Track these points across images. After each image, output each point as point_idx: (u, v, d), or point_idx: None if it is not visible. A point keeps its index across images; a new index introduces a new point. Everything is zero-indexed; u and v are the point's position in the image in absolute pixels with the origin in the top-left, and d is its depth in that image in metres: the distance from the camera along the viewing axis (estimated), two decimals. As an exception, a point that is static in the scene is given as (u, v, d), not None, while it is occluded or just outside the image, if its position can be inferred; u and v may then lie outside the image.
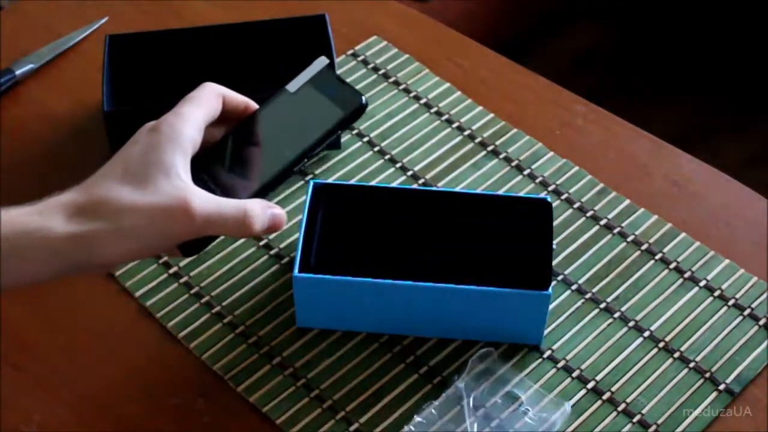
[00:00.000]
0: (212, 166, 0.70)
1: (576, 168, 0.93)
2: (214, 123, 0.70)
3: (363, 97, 0.71)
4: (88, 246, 0.63)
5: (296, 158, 0.70)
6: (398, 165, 0.94)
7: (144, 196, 0.64)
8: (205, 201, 0.65)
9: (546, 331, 0.81)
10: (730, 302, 0.83)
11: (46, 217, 0.63)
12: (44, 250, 0.63)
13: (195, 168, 0.67)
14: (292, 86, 0.72)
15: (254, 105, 0.72)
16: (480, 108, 0.98)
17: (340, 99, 0.71)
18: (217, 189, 0.68)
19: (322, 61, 0.73)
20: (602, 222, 0.89)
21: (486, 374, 0.78)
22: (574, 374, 0.79)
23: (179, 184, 0.65)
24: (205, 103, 0.69)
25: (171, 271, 0.86)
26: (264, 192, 0.69)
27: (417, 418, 0.75)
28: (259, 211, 0.67)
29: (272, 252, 0.87)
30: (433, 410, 0.76)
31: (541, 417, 0.75)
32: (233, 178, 0.70)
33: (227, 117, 0.71)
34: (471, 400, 0.76)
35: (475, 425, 0.75)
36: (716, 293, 0.84)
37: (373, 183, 0.92)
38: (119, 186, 0.64)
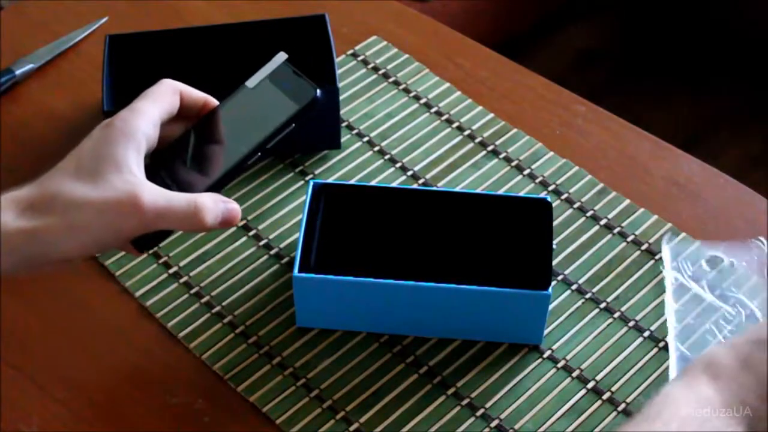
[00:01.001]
0: (170, 162, 0.70)
1: (576, 168, 0.93)
2: (174, 120, 0.71)
3: (317, 90, 0.71)
4: (39, 241, 0.64)
5: (249, 152, 0.70)
6: (398, 165, 0.94)
7: (94, 190, 0.64)
8: (155, 195, 0.65)
9: (546, 331, 0.81)
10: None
11: None
12: None
13: (153, 165, 0.68)
14: (251, 82, 0.73)
15: (214, 101, 0.72)
16: (480, 108, 0.99)
17: (295, 93, 0.72)
18: (173, 185, 0.68)
19: (281, 57, 0.74)
20: (602, 222, 0.89)
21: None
22: (574, 374, 0.79)
23: (130, 178, 0.65)
24: (161, 99, 0.69)
25: (171, 271, 0.86)
26: (218, 186, 0.69)
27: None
28: (211, 204, 0.67)
29: (272, 252, 0.87)
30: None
31: None
32: (189, 174, 0.70)
33: (187, 114, 0.71)
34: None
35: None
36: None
37: (373, 183, 0.92)
38: (71, 181, 0.65)
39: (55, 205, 0.64)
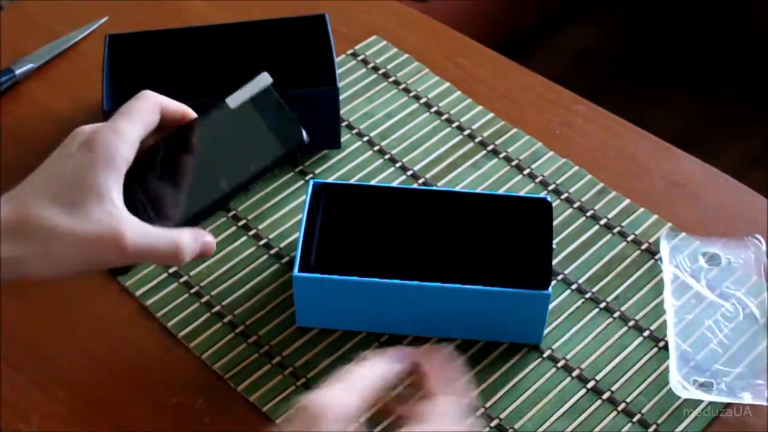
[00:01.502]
0: (144, 179, 0.68)
1: (576, 168, 0.93)
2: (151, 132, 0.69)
3: (304, 133, 0.68)
4: (15, 266, 0.63)
5: (229, 192, 0.68)
6: (398, 164, 0.94)
7: (76, 222, 0.63)
8: (137, 233, 0.64)
9: (546, 331, 0.81)
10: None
11: None
12: None
13: (129, 182, 0.66)
14: (233, 101, 0.70)
15: (191, 113, 0.70)
16: (480, 107, 0.99)
17: (280, 131, 0.69)
18: (147, 205, 0.67)
19: (265, 79, 0.70)
20: (602, 221, 0.89)
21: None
22: (574, 374, 0.79)
23: (112, 211, 0.63)
24: (142, 118, 0.67)
25: (171, 270, 0.86)
26: (196, 221, 0.68)
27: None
28: (191, 242, 0.66)
29: (272, 251, 0.87)
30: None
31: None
32: (165, 196, 0.68)
33: (164, 126, 0.70)
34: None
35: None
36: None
37: (372, 182, 0.92)
38: (51, 206, 0.63)
39: (34, 232, 0.62)
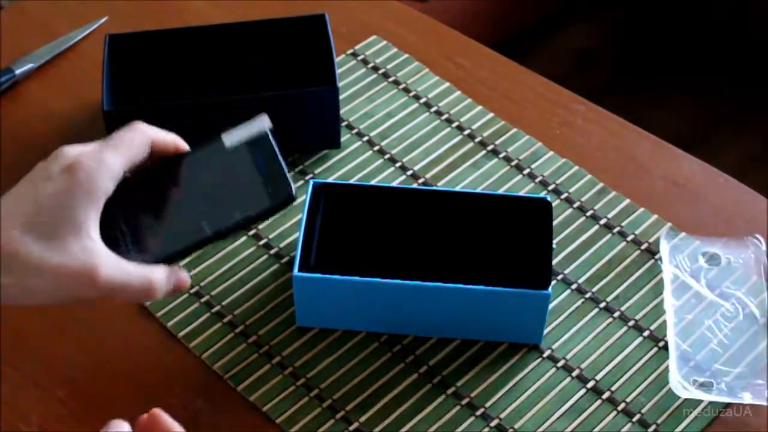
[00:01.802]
0: (126, 206, 0.67)
1: (576, 167, 0.93)
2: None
3: (293, 189, 0.67)
4: None
5: (210, 236, 0.67)
6: (398, 164, 0.94)
7: (52, 255, 0.62)
8: (111, 269, 0.63)
9: (546, 331, 0.81)
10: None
11: None
12: None
13: (109, 206, 0.65)
14: (228, 139, 0.68)
15: (184, 146, 0.69)
16: (480, 107, 0.99)
17: (270, 182, 0.67)
18: (126, 235, 0.66)
19: (264, 122, 0.68)
20: (602, 221, 0.89)
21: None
22: (574, 374, 0.79)
23: (89, 245, 0.63)
24: (131, 153, 0.66)
25: (171, 270, 0.86)
26: (173, 259, 0.67)
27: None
28: (164, 280, 0.66)
29: (272, 251, 0.87)
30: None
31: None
32: (145, 227, 0.67)
33: (154, 157, 0.68)
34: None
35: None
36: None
37: (372, 182, 0.92)
38: (26, 235, 0.62)
39: (12, 265, 0.62)
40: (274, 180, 0.67)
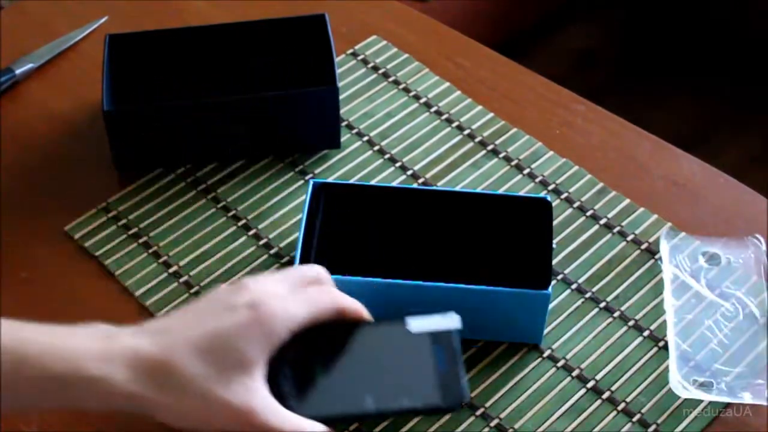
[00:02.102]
0: (297, 355, 0.67)
1: (576, 167, 0.93)
2: None
3: (467, 394, 0.67)
4: (142, 407, 0.63)
5: (372, 413, 0.67)
6: (398, 164, 0.94)
7: (214, 385, 0.62)
8: (269, 413, 0.63)
9: (546, 331, 0.81)
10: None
11: (112, 366, 0.62)
12: (103, 398, 0.62)
13: (279, 356, 0.65)
14: (415, 326, 0.69)
15: (367, 316, 0.70)
16: (480, 107, 0.99)
17: (445, 381, 0.67)
18: (291, 384, 0.66)
19: (454, 321, 0.70)
20: (602, 221, 0.89)
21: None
22: (574, 373, 0.79)
23: (253, 386, 0.63)
24: (315, 312, 0.67)
25: (171, 270, 0.86)
26: (329, 422, 0.66)
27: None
28: None
29: (272, 251, 0.87)
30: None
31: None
32: (309, 382, 0.67)
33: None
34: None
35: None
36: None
37: (372, 182, 0.92)
38: (195, 357, 0.63)
39: (172, 381, 0.62)
40: (449, 380, 0.67)
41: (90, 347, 0.62)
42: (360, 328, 0.70)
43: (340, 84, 0.93)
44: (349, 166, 0.93)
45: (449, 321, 0.70)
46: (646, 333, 0.81)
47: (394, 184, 0.92)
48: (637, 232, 0.88)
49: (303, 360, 0.68)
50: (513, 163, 0.94)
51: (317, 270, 0.71)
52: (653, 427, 0.76)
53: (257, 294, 0.65)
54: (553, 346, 0.81)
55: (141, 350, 0.63)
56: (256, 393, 0.63)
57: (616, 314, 0.83)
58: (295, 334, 0.66)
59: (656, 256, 0.86)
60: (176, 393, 0.62)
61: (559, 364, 0.80)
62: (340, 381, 0.68)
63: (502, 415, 0.77)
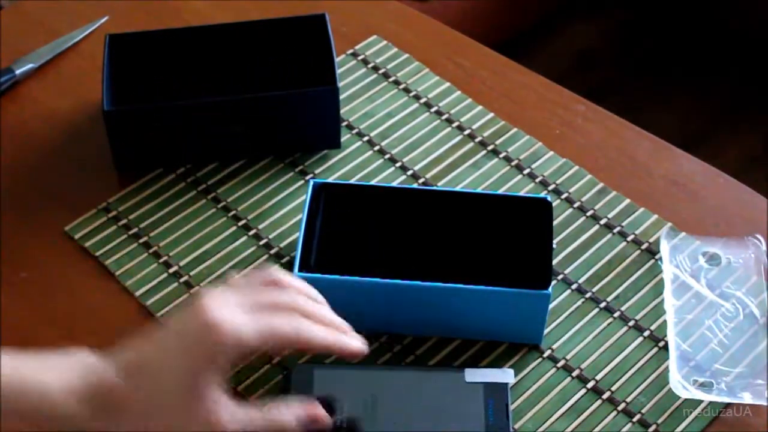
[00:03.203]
0: (353, 400, 0.72)
1: (576, 167, 0.93)
2: None
3: None
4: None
5: None
6: (398, 164, 0.94)
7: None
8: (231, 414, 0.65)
9: (546, 331, 0.81)
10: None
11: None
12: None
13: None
14: (470, 376, 0.74)
15: (354, 347, 0.70)
16: (480, 107, 0.99)
17: (493, 431, 0.72)
18: (343, 418, 0.71)
19: (509, 376, 0.74)
20: (602, 221, 0.89)
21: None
22: (574, 374, 0.79)
23: (210, 404, 0.65)
24: (274, 343, 0.67)
25: (171, 270, 0.86)
26: None
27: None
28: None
29: (272, 251, 0.87)
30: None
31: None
32: (360, 419, 0.72)
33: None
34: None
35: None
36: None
37: (373, 182, 0.92)
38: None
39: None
40: (496, 430, 0.72)
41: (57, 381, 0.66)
42: (416, 373, 0.75)
43: (340, 84, 0.93)
44: (349, 166, 0.93)
45: (505, 375, 0.74)
46: (646, 333, 0.81)
47: (394, 184, 0.92)
48: (637, 232, 0.88)
49: (356, 398, 0.72)
50: (513, 163, 0.94)
51: (277, 274, 0.71)
52: (653, 427, 0.76)
53: (209, 317, 0.64)
54: (554, 347, 0.81)
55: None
56: (218, 405, 0.65)
57: (617, 314, 0.83)
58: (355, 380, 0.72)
59: (656, 256, 0.86)
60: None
61: (560, 364, 0.80)
62: (391, 420, 0.72)
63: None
